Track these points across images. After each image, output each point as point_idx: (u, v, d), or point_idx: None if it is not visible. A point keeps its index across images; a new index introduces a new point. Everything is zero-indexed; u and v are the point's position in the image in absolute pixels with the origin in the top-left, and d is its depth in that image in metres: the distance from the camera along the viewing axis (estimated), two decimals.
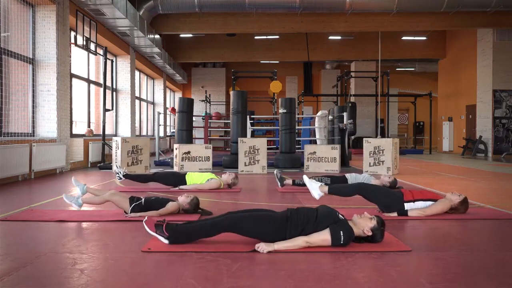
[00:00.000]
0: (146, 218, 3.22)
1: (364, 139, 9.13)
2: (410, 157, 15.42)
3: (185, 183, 6.04)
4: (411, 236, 3.47)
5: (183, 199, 4.14)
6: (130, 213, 4.00)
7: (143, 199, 4.08)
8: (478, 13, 14.13)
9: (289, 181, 6.25)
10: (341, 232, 2.92)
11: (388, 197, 4.19)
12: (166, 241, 3.02)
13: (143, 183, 6.53)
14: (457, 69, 18.51)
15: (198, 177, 6.07)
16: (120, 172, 6.12)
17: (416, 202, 4.17)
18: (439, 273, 2.52)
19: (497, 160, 13.67)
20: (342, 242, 2.91)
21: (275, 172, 6.48)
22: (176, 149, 9.16)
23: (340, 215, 3.05)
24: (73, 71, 10.11)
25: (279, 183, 6.24)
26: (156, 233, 3.06)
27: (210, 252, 2.88)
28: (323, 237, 2.92)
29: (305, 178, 4.24)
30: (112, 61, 11.47)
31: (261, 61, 21.16)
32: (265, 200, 5.38)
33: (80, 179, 7.55)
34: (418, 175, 8.48)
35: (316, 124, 12.83)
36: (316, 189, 4.05)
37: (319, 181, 5.85)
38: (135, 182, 6.49)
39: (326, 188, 4.08)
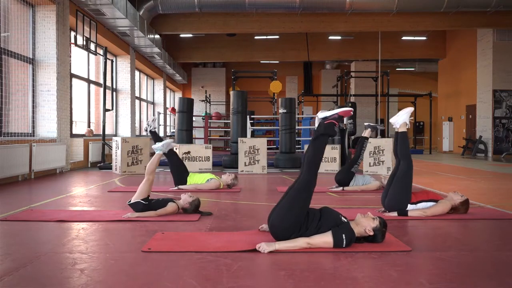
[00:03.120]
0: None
1: None
2: None
3: (185, 183, 6.04)
4: (411, 236, 3.46)
5: (185, 197, 4.14)
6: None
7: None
8: (478, 13, 14.12)
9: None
10: (344, 235, 2.92)
11: (403, 192, 4.14)
12: None
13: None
14: (457, 69, 18.50)
15: (199, 177, 6.08)
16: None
17: (418, 204, 4.16)
18: (439, 273, 2.52)
19: (497, 160, 13.66)
20: (344, 246, 2.92)
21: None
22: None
23: (343, 218, 3.06)
24: (73, 71, 10.10)
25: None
26: None
27: (210, 252, 2.88)
28: (325, 239, 2.92)
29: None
30: (112, 61, 11.47)
31: (261, 61, 21.15)
32: (265, 200, 5.38)
33: (80, 179, 7.55)
34: (418, 175, 8.47)
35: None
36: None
37: None
38: (135, 182, 6.48)
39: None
